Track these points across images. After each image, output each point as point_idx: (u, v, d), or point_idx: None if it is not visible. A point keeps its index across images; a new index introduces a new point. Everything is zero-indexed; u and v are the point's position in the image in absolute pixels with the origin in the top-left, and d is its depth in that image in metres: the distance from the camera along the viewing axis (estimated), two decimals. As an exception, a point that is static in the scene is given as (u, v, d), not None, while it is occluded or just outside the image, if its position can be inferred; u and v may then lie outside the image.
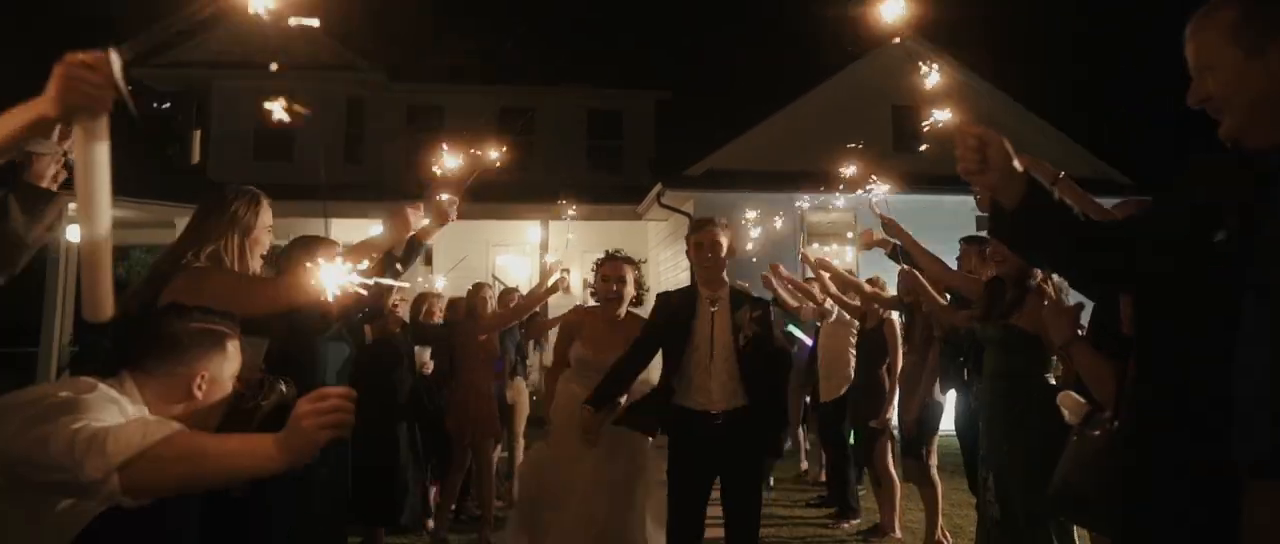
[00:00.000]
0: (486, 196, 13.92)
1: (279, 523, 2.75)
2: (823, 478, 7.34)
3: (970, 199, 7.39)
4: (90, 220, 1.78)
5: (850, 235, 11.91)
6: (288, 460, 1.67)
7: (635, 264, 4.44)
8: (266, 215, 2.88)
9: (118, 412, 1.75)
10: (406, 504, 5.01)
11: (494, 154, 3.76)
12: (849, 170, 4.75)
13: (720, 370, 3.76)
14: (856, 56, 13.80)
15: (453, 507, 5.93)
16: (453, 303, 6.71)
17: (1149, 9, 23.43)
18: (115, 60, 1.65)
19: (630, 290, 4.33)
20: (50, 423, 1.62)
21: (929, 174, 9.23)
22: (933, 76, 2.18)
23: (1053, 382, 3.53)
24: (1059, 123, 14.11)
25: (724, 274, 3.92)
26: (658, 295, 4.07)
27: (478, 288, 6.43)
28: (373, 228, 3.52)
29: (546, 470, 4.23)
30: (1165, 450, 1.69)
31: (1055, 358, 3.50)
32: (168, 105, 16.79)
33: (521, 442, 6.79)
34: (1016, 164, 1.72)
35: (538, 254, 14.34)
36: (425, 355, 5.58)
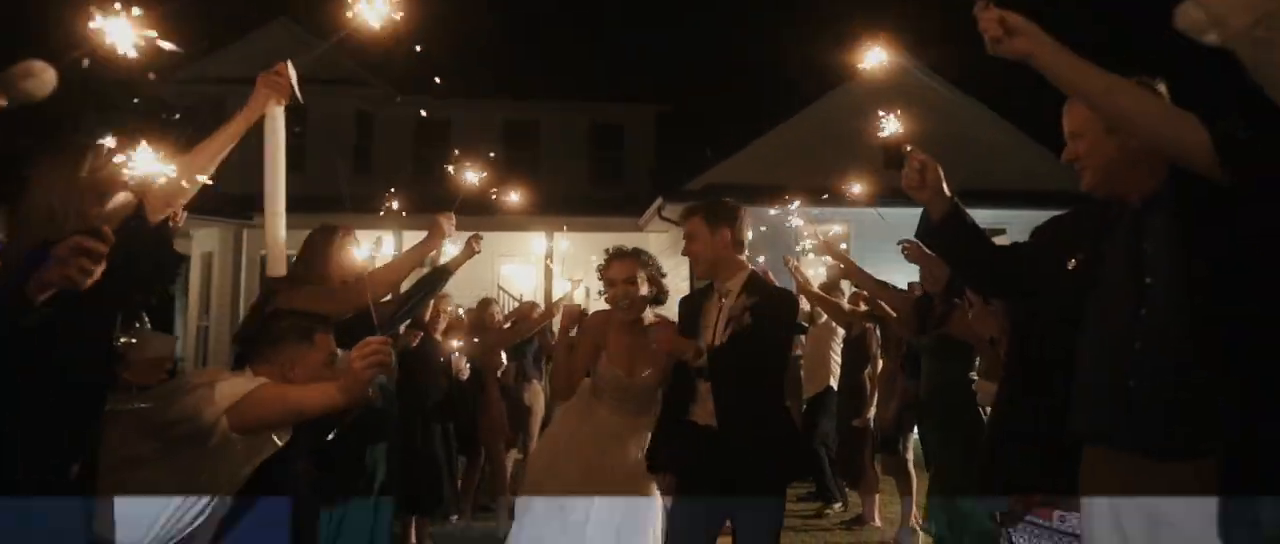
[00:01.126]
0: (491, 209, 14.00)
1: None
2: None
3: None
4: (273, 200, 2.73)
5: (843, 246, 11.94)
6: (347, 397, 2.29)
7: (646, 260, 3.63)
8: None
9: (237, 389, 2.33)
10: (443, 496, 5.46)
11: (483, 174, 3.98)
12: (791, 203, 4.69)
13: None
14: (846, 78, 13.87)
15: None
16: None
17: (1120, 25, 23.51)
18: (292, 69, 2.65)
19: (646, 288, 3.53)
20: (187, 394, 2.29)
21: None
22: (890, 126, 2.54)
23: (974, 378, 3.96)
24: (1038, 136, 14.23)
25: (743, 257, 3.29)
26: (681, 302, 3.50)
27: (485, 304, 6.61)
28: (385, 237, 3.58)
29: (545, 489, 3.60)
30: (1031, 417, 2.30)
31: (979, 360, 3.90)
32: (177, 117, 16.86)
33: (535, 443, 6.93)
34: (946, 189, 2.16)
35: (542, 264, 14.35)
36: (462, 361, 5.90)
